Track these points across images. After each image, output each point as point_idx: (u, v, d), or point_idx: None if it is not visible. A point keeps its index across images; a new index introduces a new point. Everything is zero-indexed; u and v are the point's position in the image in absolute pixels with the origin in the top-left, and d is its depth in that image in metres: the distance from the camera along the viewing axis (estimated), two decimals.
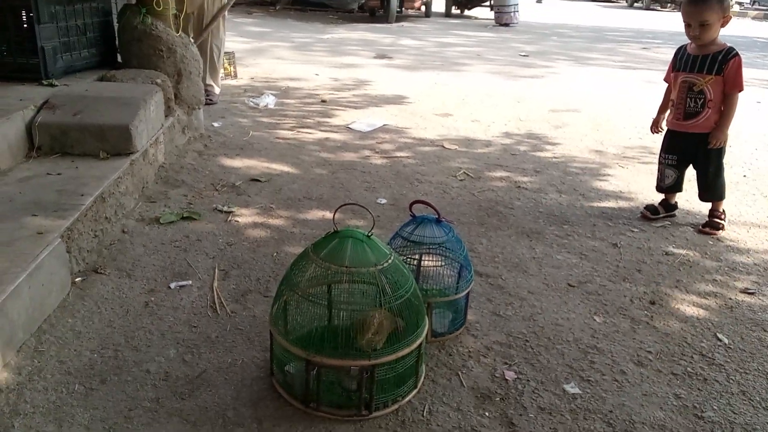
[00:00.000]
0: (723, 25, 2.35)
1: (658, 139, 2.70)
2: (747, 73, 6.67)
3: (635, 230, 2.50)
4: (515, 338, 1.72)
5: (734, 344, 1.72)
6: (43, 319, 1.64)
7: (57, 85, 2.76)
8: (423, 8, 12.86)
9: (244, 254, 2.12)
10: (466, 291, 1.72)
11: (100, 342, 1.60)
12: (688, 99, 2.42)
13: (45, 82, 2.77)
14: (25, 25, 2.78)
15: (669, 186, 2.60)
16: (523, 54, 7.92)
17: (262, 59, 6.51)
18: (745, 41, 11.07)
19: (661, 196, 2.68)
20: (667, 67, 2.60)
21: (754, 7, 22.44)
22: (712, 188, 2.52)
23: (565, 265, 2.17)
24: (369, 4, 11.45)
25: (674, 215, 2.64)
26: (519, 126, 4.16)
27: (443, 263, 1.74)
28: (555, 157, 3.48)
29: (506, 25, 11.55)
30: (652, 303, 1.93)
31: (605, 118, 4.43)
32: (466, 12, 14.39)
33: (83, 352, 1.55)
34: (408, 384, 1.44)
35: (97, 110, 2.46)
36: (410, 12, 12.80)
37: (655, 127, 2.64)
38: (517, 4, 11.68)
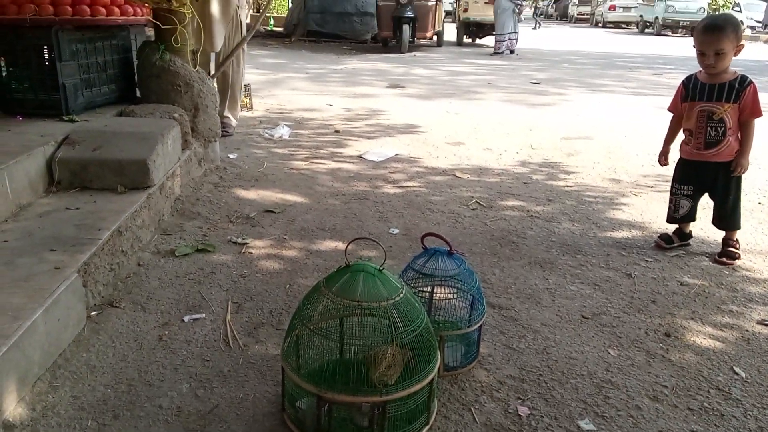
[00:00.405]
0: (736, 54, 2.33)
1: (671, 167, 2.69)
2: (761, 99, 6.63)
3: (649, 260, 2.48)
4: (528, 372, 1.70)
5: (751, 378, 1.69)
6: (59, 354, 1.66)
7: (77, 121, 2.83)
8: (435, 38, 13.06)
9: (258, 286, 2.14)
10: (479, 324, 1.72)
11: (114, 377, 1.61)
12: (709, 128, 2.40)
13: (66, 118, 2.85)
14: (47, 63, 2.87)
15: (683, 216, 2.57)
16: (534, 81, 7.98)
17: (277, 90, 6.64)
18: (757, 65, 11.05)
19: (673, 226, 2.66)
20: (674, 95, 2.57)
21: (766, 31, 22.45)
22: (731, 217, 2.49)
23: (578, 296, 2.16)
24: (382, 34, 11.67)
25: (689, 244, 2.62)
26: (531, 154, 4.17)
27: (455, 295, 1.74)
28: (568, 186, 3.48)
29: (501, 53, 11.61)
30: (668, 335, 1.91)
31: (618, 146, 4.43)
32: (478, 41, 14.59)
33: (97, 387, 1.57)
34: (420, 420, 1.43)
35: (116, 145, 2.52)
36: (422, 41, 12.99)
37: (663, 158, 2.61)
38: (513, 33, 11.77)
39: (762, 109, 2.38)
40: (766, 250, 2.61)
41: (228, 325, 1.88)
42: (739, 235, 2.55)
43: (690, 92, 2.45)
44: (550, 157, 4.09)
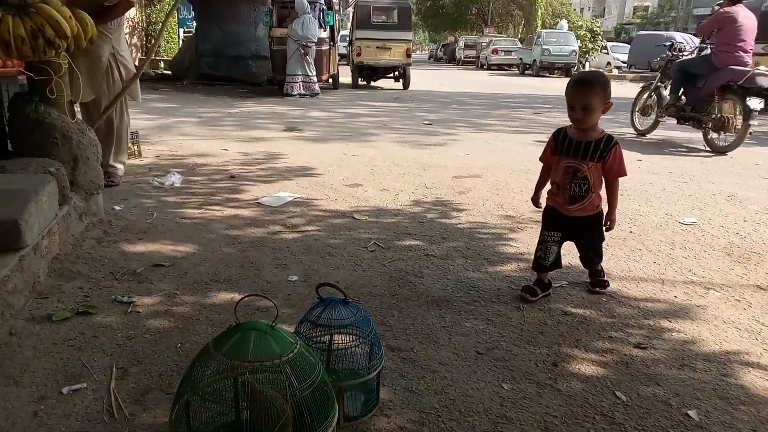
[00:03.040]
0: (604, 111, 2.37)
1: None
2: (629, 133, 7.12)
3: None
4: (428, 414, 1.72)
5: (632, 401, 1.82)
6: None
7: None
8: (331, 80, 13.29)
9: (145, 348, 2.02)
10: (378, 370, 1.73)
11: None
12: (573, 184, 2.43)
13: None
14: None
15: (551, 263, 2.54)
16: (426, 122, 8.30)
17: (168, 136, 6.43)
18: (625, 102, 12.19)
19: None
20: (545, 146, 2.57)
21: (631, 70, 24.93)
22: (597, 257, 2.61)
23: (473, 332, 2.23)
24: (277, 77, 11.69)
25: (550, 294, 2.57)
26: (426, 193, 4.31)
27: (353, 343, 1.74)
28: (460, 223, 3.62)
29: (294, 95, 11.06)
30: (555, 365, 2.01)
31: (504, 183, 4.68)
32: (372, 83, 15.02)
33: None
34: None
35: None
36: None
37: (535, 203, 2.67)
38: (304, 75, 11.16)
39: (626, 167, 2.46)
40: (638, 276, 2.84)
41: (112, 393, 1.75)
42: (614, 262, 2.75)
43: (558, 146, 2.48)
44: (443, 196, 4.24)
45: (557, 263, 2.57)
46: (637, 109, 7.52)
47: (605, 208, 2.55)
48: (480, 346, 2.13)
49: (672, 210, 4.01)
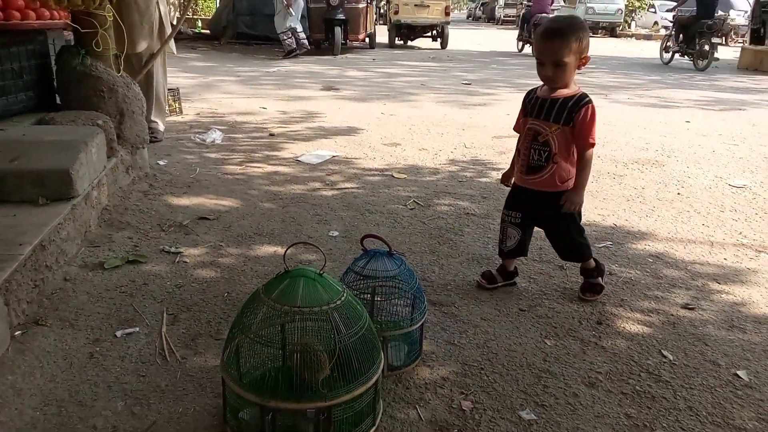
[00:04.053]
0: (579, 67, 1.96)
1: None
2: (677, 94, 6.96)
3: None
4: (470, 366, 1.73)
5: (678, 360, 1.79)
6: None
7: None
8: (367, 40, 13.11)
9: (194, 296, 2.08)
10: (421, 322, 1.74)
11: (43, 398, 1.53)
12: (533, 150, 2.02)
13: None
14: None
15: (510, 249, 2.17)
16: (465, 82, 8.15)
17: (208, 94, 6.47)
18: (673, 63, 11.72)
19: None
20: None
21: None
22: (576, 250, 2.15)
23: (515, 290, 2.22)
24: (313, 36, 11.59)
25: (514, 283, 2.24)
26: (465, 153, 4.26)
27: (397, 295, 1.75)
28: (500, 183, 3.56)
29: (294, 54, 10.68)
30: (599, 323, 1.99)
31: None
32: (409, 42, 14.76)
33: (25, 411, 1.48)
34: (366, 422, 1.43)
35: (35, 155, 2.39)
36: (355, 43, 13.01)
37: (505, 180, 2.27)
38: (288, 31, 10.65)
39: (595, 137, 1.98)
40: (686, 237, 2.77)
41: (164, 337, 1.81)
42: (660, 223, 2.65)
43: (527, 107, 2.08)
44: (482, 156, 4.19)
45: (520, 250, 2.18)
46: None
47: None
48: (522, 303, 2.12)
49: (722, 172, 3.87)
